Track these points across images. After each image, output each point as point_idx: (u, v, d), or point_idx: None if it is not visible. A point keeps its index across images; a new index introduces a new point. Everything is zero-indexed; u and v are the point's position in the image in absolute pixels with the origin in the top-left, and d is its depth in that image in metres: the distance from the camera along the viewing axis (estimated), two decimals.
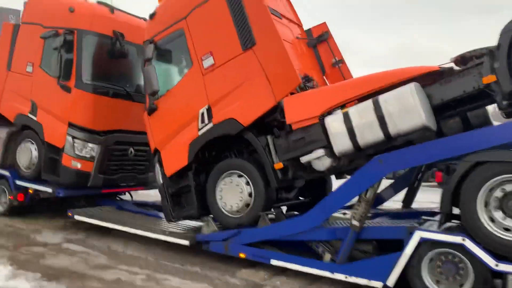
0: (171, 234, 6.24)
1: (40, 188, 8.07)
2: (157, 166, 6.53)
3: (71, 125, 7.71)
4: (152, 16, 6.66)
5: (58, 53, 7.54)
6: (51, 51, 7.93)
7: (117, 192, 9.29)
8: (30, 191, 8.30)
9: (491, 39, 4.57)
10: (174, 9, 6.43)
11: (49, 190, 7.92)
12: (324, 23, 7.85)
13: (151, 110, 6.53)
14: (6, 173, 8.49)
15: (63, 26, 7.81)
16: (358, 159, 5.22)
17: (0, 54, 8.80)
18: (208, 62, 6.00)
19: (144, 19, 9.00)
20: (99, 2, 8.28)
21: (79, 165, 7.75)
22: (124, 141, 8.33)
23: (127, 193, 9.57)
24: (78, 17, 7.82)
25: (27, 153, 8.24)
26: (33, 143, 8.25)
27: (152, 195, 10.71)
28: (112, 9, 8.24)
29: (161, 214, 7.54)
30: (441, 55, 71.32)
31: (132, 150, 8.54)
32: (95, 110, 7.81)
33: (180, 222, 6.94)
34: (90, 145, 7.82)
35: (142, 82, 8.68)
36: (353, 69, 7.41)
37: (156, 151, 6.57)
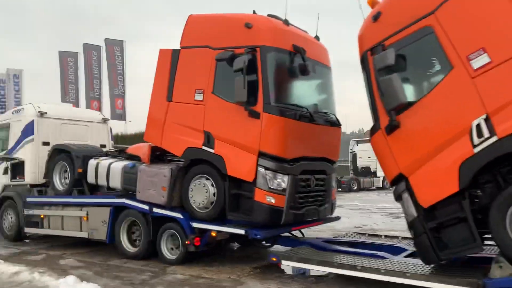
0: (441, 279, 4.99)
1: (230, 230, 7.03)
2: (406, 196, 5.34)
3: (262, 154, 6.71)
4: (376, 17, 5.61)
5: (244, 75, 6.60)
6: (226, 74, 7.07)
7: None
8: (213, 234, 7.29)
9: None
10: (413, 6, 5.36)
11: (241, 231, 6.87)
12: None
13: (392, 128, 5.38)
14: (178, 215, 7.53)
15: (241, 45, 6.92)
16: None
17: (159, 84, 7.98)
18: (480, 61, 4.83)
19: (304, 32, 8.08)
20: (270, 16, 7.37)
21: (273, 200, 6.70)
22: (308, 169, 7.28)
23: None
24: (258, 32, 6.92)
25: (203, 191, 7.26)
26: (208, 179, 7.28)
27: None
28: (287, 22, 7.31)
29: (380, 253, 6.39)
30: None
31: (314, 180, 7.47)
32: (286, 136, 6.81)
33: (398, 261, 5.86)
34: (280, 176, 6.79)
35: (321, 102, 7.81)
36: None
37: (401, 178, 5.40)
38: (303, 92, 7.55)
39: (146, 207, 7.91)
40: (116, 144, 10.10)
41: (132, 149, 8.99)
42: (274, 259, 6.42)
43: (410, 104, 5.28)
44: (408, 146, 5.30)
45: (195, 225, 7.33)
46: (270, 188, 6.68)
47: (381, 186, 32.82)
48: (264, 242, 8.21)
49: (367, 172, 33.41)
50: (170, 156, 8.70)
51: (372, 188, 32.13)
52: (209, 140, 7.21)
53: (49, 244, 10.32)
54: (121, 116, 35.37)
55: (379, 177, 33.14)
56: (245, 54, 6.74)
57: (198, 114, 7.37)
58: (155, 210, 7.82)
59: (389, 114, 5.36)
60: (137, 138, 34.98)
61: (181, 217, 7.47)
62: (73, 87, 39.26)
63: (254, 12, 7.38)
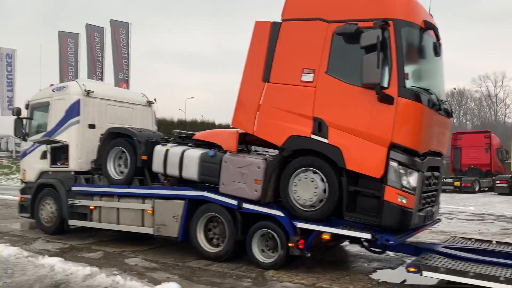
0: None
1: (351, 233, 6.03)
2: None
3: (394, 146, 5.76)
4: None
5: (378, 53, 5.61)
6: (346, 51, 6.14)
7: None
8: (326, 236, 6.33)
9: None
10: None
11: (366, 236, 5.92)
12: None
13: None
14: (278, 213, 6.52)
15: (367, 18, 5.95)
16: None
17: (252, 62, 6.92)
18: None
19: None
20: None
21: (404, 201, 5.78)
22: (431, 165, 6.39)
23: None
24: (390, 4, 5.95)
25: (311, 186, 6.28)
26: (317, 173, 6.31)
27: None
28: None
29: None
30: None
31: (433, 177, 6.59)
32: (422, 126, 5.88)
33: None
34: (412, 172, 5.87)
35: (440, 87, 6.89)
36: None
37: None
38: (431, 75, 6.61)
39: (234, 202, 6.90)
40: (179, 130, 8.99)
41: (205, 135, 7.90)
42: (412, 269, 5.47)
43: None
44: None
45: (301, 225, 6.34)
46: (403, 186, 5.74)
47: None
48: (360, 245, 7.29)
49: None
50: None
51: None
52: (320, 128, 6.22)
53: (95, 238, 9.26)
54: None
55: None
56: (376, 28, 5.75)
57: (306, 98, 6.36)
58: (245, 206, 6.80)
59: None
60: None
61: (282, 216, 6.47)
62: (72, 69, 37.70)
63: None
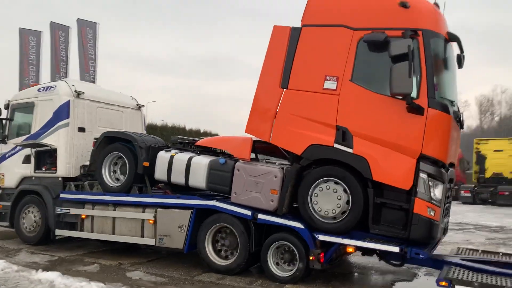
0: None
1: (378, 247, 5.84)
2: None
3: (424, 158, 5.68)
4: None
5: (410, 62, 5.51)
6: (372, 59, 6.04)
7: None
8: (351, 250, 6.13)
9: None
10: None
11: (395, 249, 5.76)
12: None
13: None
14: (298, 225, 6.26)
15: (395, 27, 5.86)
16: None
17: (270, 67, 6.67)
18: None
19: None
20: None
21: (432, 213, 5.69)
22: (450, 177, 6.36)
23: None
24: (419, 14, 5.88)
25: (333, 198, 6.08)
26: (338, 183, 6.12)
27: None
28: (437, 5, 6.32)
29: None
30: None
31: (450, 189, 6.58)
32: (449, 137, 5.84)
33: None
34: (438, 184, 5.80)
35: (456, 98, 6.85)
36: None
37: None
38: (453, 86, 6.57)
39: (247, 212, 6.59)
40: (177, 135, 8.56)
41: (211, 141, 7.58)
42: (444, 283, 5.35)
43: None
44: None
45: (323, 238, 6.11)
46: (432, 198, 5.66)
47: None
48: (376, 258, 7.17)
49: None
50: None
51: None
52: (344, 137, 6.04)
53: (84, 249, 8.67)
54: None
55: None
56: (405, 37, 5.67)
57: (329, 106, 6.19)
58: (261, 216, 6.52)
59: None
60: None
61: (302, 228, 6.23)
62: (33, 68, 36.01)
63: None
